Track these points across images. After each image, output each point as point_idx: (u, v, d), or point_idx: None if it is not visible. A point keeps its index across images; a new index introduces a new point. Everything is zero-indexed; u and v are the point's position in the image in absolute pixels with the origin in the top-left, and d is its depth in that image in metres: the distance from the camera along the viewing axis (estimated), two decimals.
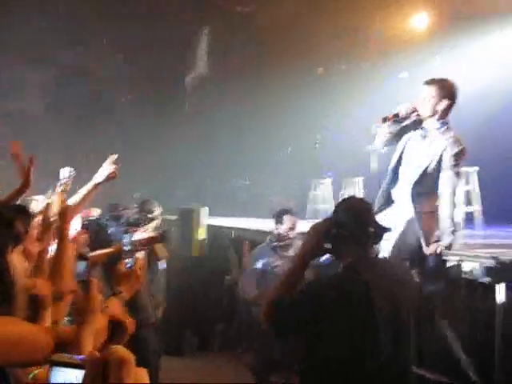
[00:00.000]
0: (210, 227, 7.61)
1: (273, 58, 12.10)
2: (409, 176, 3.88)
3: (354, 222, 2.57)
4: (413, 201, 3.78)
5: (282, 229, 5.14)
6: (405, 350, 2.58)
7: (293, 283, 2.53)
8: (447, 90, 3.78)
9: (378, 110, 10.85)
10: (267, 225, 6.10)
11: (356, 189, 10.11)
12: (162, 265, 5.67)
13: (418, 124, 3.89)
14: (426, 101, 3.78)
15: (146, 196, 6.54)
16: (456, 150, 3.71)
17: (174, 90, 13.10)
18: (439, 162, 3.74)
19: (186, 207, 7.78)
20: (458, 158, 3.71)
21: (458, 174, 3.82)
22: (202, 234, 7.21)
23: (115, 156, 3.16)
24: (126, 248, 2.83)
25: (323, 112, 11.61)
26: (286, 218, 5.18)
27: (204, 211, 7.44)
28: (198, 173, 12.37)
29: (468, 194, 7.13)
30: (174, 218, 7.63)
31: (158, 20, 11.82)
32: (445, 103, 3.75)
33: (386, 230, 2.66)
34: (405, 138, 3.98)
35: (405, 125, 3.92)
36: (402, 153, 3.97)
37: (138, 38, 11.79)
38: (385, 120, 3.91)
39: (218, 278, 7.15)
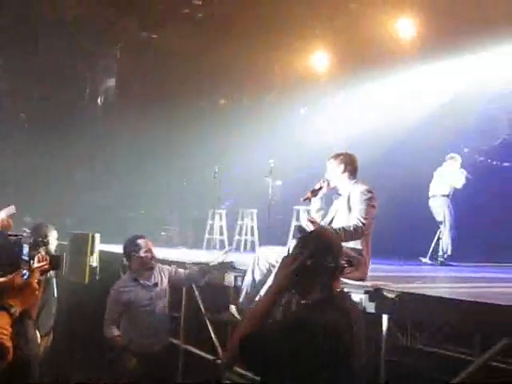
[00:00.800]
0: (102, 253, 7.40)
1: (177, 86, 12.13)
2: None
3: (329, 254, 2.47)
4: None
5: (141, 252, 4.97)
6: None
7: (262, 319, 2.44)
8: (346, 160, 4.55)
9: (276, 143, 11.43)
10: (161, 253, 6.04)
11: (251, 219, 10.37)
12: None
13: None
14: (332, 173, 4.55)
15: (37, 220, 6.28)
16: (360, 190, 4.37)
17: (73, 115, 12.74)
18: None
19: (79, 232, 7.53)
20: (363, 194, 4.33)
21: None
22: (95, 260, 6.99)
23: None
24: (25, 259, 2.66)
25: (223, 143, 11.76)
26: (142, 242, 5.05)
27: (97, 237, 7.23)
28: (91, 200, 12.02)
29: None
30: (64, 243, 7.35)
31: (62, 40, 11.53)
32: (348, 170, 4.52)
33: (350, 263, 2.66)
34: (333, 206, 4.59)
35: (322, 194, 4.57)
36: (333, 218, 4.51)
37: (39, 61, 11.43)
38: (306, 199, 4.58)
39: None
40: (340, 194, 4.52)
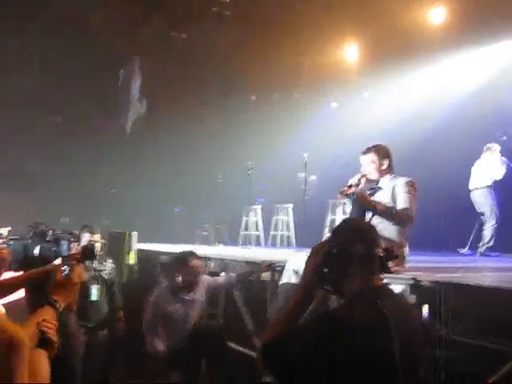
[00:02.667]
0: (140, 252, 7.50)
1: (207, 84, 12.22)
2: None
3: (360, 242, 2.24)
4: None
5: (189, 272, 4.89)
6: None
7: (288, 322, 2.19)
8: (383, 153, 4.42)
9: (309, 138, 11.39)
10: (200, 251, 6.06)
11: (287, 215, 10.38)
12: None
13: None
14: (369, 167, 4.41)
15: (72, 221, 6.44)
16: (405, 181, 4.27)
17: (107, 114, 12.95)
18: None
19: (116, 231, 7.63)
20: (408, 185, 4.23)
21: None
22: (132, 258, 7.08)
23: None
24: (65, 254, 2.73)
25: (256, 139, 11.78)
26: (193, 262, 4.95)
27: (134, 236, 7.32)
28: (126, 200, 12.20)
29: None
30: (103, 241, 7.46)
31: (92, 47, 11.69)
32: (386, 163, 4.39)
33: (394, 255, 2.35)
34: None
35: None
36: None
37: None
38: (342, 193, 4.35)
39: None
40: (380, 188, 4.37)
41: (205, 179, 12.45)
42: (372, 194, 4.36)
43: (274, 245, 10.24)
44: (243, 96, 12.53)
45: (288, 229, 10.33)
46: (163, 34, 11.94)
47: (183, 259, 5.00)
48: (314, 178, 11.37)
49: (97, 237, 5.58)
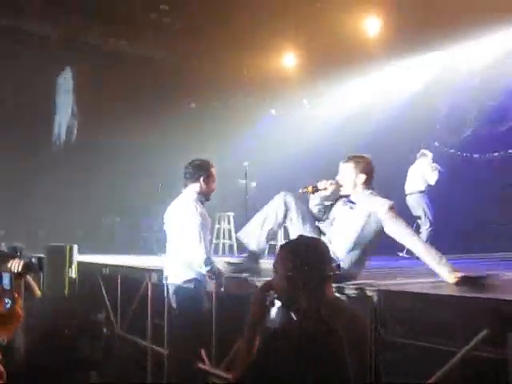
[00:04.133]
0: (81, 264, 7.37)
1: (144, 91, 12.09)
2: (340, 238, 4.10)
3: (314, 261, 2.35)
4: None
5: None
6: None
7: (248, 356, 2.33)
8: (362, 166, 4.11)
9: (248, 146, 11.50)
10: (142, 261, 6.04)
11: (228, 223, 10.50)
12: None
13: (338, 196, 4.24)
14: (345, 177, 4.12)
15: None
16: (387, 206, 3.99)
17: (42, 128, 12.63)
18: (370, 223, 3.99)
19: (56, 244, 7.47)
20: (394, 211, 3.98)
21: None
22: (73, 272, 6.96)
23: None
24: (7, 288, 2.66)
25: (196, 147, 11.76)
26: None
27: (74, 248, 7.20)
28: (68, 212, 11.93)
29: None
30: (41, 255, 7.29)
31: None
32: (363, 177, 4.09)
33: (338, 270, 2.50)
34: (333, 210, 4.25)
35: (326, 196, 4.20)
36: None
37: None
38: (304, 192, 4.20)
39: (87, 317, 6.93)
40: (351, 202, 4.12)
41: (146, 188, 12.32)
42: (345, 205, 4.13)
43: (216, 253, 10.24)
44: (183, 103, 12.49)
45: (230, 237, 10.41)
46: (100, 41, 11.78)
47: None
48: (253, 184, 11.48)
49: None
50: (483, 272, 4.17)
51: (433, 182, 8.28)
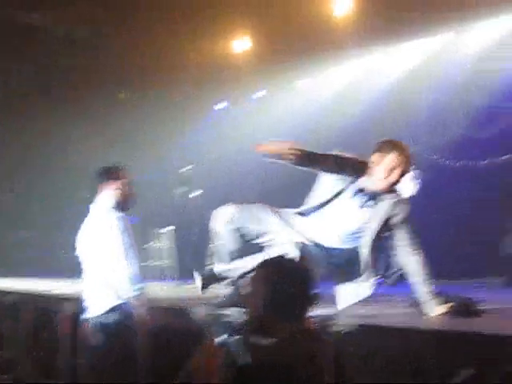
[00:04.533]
0: None
1: (60, 77, 11.81)
2: None
3: (302, 287, 2.56)
4: None
5: None
6: None
7: None
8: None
9: (191, 146, 11.39)
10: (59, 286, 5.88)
11: (167, 240, 10.28)
12: None
13: None
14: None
15: None
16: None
17: None
18: None
19: None
20: None
21: None
22: None
23: None
24: None
25: (127, 146, 11.61)
26: None
27: None
28: None
29: None
30: None
31: None
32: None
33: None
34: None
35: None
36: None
37: None
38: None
39: None
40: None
41: (65, 196, 12.08)
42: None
43: (150, 278, 9.95)
44: (109, 92, 12.31)
45: (170, 257, 10.15)
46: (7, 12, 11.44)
47: None
48: (198, 193, 11.35)
49: None
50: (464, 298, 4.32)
51: (409, 194, 8.31)
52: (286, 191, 9.68)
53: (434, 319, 4.08)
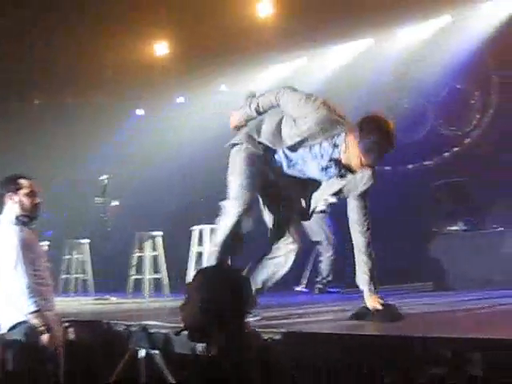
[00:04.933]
0: None
1: None
2: None
3: (238, 296, 2.70)
4: None
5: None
6: None
7: None
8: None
9: (108, 155, 11.10)
10: None
11: (82, 253, 10.05)
12: None
13: None
14: None
15: None
16: None
17: None
18: None
19: None
20: None
21: None
22: None
23: None
24: None
25: (41, 154, 11.19)
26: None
27: None
28: None
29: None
30: None
31: None
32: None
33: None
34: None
35: None
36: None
37: None
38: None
39: None
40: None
41: None
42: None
43: (65, 292, 9.80)
44: (23, 98, 11.93)
45: (84, 271, 10.00)
46: None
47: None
48: (115, 203, 11.11)
49: None
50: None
51: (335, 200, 8.20)
52: (207, 199, 9.67)
53: (357, 325, 4.14)
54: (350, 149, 4.09)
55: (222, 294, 2.66)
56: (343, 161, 4.16)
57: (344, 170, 4.21)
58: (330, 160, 4.20)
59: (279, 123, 4.33)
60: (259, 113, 4.45)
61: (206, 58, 10.22)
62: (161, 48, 11.30)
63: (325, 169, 4.26)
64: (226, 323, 2.63)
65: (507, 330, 3.40)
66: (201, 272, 2.92)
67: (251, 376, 2.58)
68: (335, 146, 4.16)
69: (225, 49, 10.02)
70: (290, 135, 4.25)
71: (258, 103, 4.45)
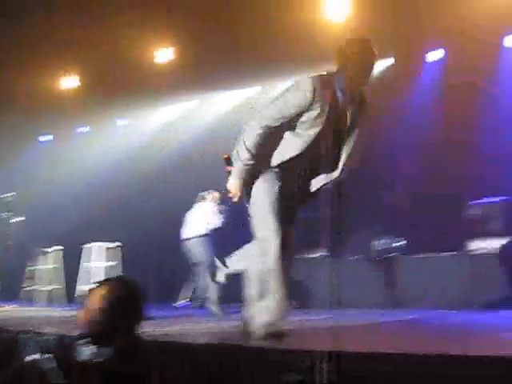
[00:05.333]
0: None
1: None
2: None
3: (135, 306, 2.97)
4: None
5: None
6: None
7: None
8: None
9: (15, 176, 11.32)
10: None
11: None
12: None
13: None
14: None
15: None
16: None
17: None
18: None
19: None
20: None
21: None
22: None
23: None
24: None
25: None
26: None
27: None
28: None
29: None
30: None
31: None
32: None
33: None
34: None
35: None
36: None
37: None
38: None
39: None
40: None
41: None
42: None
43: None
44: None
45: None
46: None
47: None
48: (21, 219, 11.26)
49: None
50: None
51: (214, 226, 8.95)
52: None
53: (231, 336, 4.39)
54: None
55: (115, 303, 2.87)
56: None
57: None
58: None
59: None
60: (252, 154, 4.12)
61: (109, 95, 10.76)
62: (68, 80, 11.53)
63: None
64: (116, 330, 2.84)
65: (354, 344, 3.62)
66: (99, 283, 3.05)
67: (139, 378, 2.79)
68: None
69: (127, 88, 10.60)
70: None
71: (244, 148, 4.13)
